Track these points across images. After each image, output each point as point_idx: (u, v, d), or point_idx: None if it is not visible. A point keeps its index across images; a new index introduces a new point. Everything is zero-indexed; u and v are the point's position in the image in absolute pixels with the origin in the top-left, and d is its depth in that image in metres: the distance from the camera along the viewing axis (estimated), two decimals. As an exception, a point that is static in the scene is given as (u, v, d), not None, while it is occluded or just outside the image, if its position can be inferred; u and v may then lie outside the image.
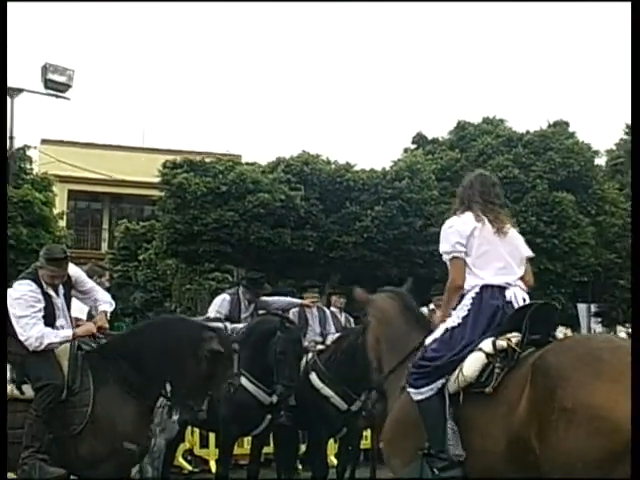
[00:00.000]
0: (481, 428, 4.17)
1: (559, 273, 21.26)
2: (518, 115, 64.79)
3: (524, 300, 4.56)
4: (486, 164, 21.85)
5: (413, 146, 25.11)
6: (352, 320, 10.56)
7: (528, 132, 23.12)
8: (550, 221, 20.98)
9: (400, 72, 60.18)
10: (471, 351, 4.34)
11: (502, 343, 4.26)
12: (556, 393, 3.69)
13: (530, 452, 3.81)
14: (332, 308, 10.74)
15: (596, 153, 23.62)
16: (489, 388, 4.17)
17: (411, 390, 4.60)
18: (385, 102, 68.69)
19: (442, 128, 29.82)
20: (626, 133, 25.87)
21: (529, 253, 4.82)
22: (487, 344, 4.30)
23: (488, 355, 4.25)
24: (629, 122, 25.73)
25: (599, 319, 21.02)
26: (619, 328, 16.90)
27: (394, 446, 4.84)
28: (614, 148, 26.09)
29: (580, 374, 3.67)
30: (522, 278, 4.68)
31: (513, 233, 4.78)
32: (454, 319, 4.61)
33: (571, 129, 23.41)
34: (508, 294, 4.55)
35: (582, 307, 20.99)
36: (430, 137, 25.13)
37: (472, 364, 4.30)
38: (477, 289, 4.57)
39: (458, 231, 4.68)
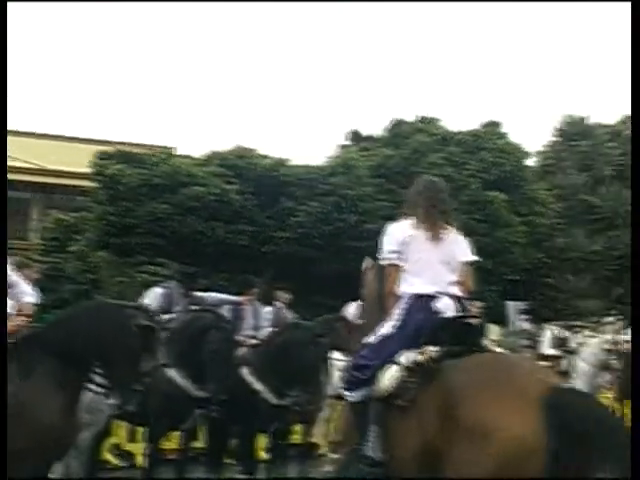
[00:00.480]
0: (399, 437, 4.27)
1: (490, 271, 21.57)
2: (452, 114, 65.59)
3: (454, 309, 4.60)
4: (420, 162, 22.06)
5: (348, 142, 25.20)
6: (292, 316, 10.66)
7: (461, 131, 23.42)
8: (482, 220, 21.28)
9: (336, 68, 60.35)
10: (392, 362, 4.41)
11: (419, 357, 4.34)
12: (458, 411, 3.84)
13: (440, 464, 3.95)
14: (277, 303, 10.80)
15: (526, 154, 24.06)
16: (403, 401, 4.27)
17: (345, 392, 4.67)
18: (321, 98, 68.80)
19: (377, 125, 30.05)
20: (555, 135, 26.39)
21: (469, 257, 4.84)
22: (405, 357, 4.38)
23: (405, 368, 4.33)
24: (559, 125, 26.28)
25: (528, 317, 21.36)
26: (546, 326, 17.24)
27: (340, 440, 4.97)
28: (544, 150, 26.59)
29: (480, 395, 3.82)
30: (461, 283, 4.73)
31: (452, 238, 4.80)
32: (387, 327, 4.64)
33: (503, 130, 23.78)
34: (437, 304, 4.57)
35: (511, 305, 21.29)
36: (365, 134, 25.26)
37: (388, 377, 4.38)
38: (408, 298, 4.62)
39: (393, 238, 4.72)
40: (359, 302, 11.20)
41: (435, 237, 4.70)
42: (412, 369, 4.32)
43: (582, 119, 26.20)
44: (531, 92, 71.40)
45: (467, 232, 18.39)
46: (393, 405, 4.34)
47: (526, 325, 19.30)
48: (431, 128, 23.63)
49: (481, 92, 65.37)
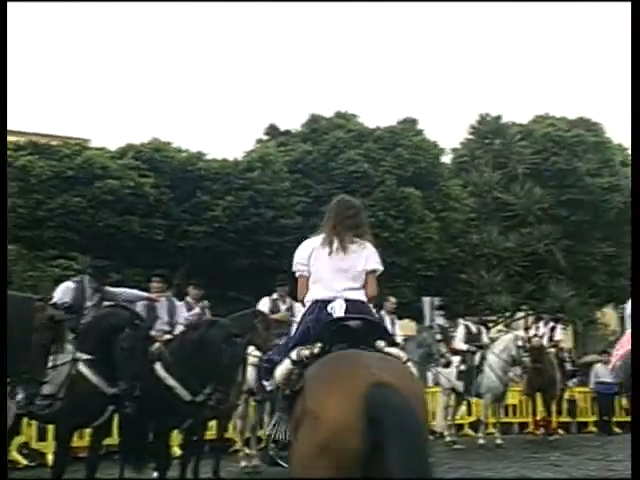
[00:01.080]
0: (289, 422, 4.83)
1: (405, 267, 21.82)
2: (369, 111, 66.08)
3: (345, 311, 5.14)
4: (337, 158, 22.16)
5: (266, 137, 25.13)
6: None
7: (378, 128, 23.59)
8: (397, 216, 21.50)
9: (254, 62, 60.19)
10: (287, 357, 5.03)
11: (305, 352, 4.92)
12: (305, 397, 4.41)
13: None
14: (188, 299, 10.74)
15: (442, 151, 24.40)
16: (288, 390, 4.87)
17: (264, 382, 5.34)
18: (238, 92, 68.53)
19: (295, 120, 30.00)
20: (470, 133, 26.83)
21: (373, 267, 5.34)
22: (294, 353, 4.96)
23: (293, 362, 4.92)
24: (474, 123, 26.73)
25: (442, 312, 21.70)
26: (460, 321, 17.58)
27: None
28: (459, 147, 27.00)
29: (319, 385, 4.39)
30: (363, 288, 5.30)
31: (355, 249, 5.34)
32: (293, 328, 5.36)
33: (419, 127, 24.05)
34: (330, 306, 5.17)
35: (426, 300, 21.59)
36: (283, 129, 25.23)
37: (280, 369, 5.00)
38: (309, 303, 5.28)
39: (301, 252, 5.37)
40: (273, 297, 11.46)
41: (338, 250, 5.29)
42: (298, 362, 4.91)
43: (496, 118, 26.69)
44: (447, 90, 72.51)
45: (383, 228, 18.60)
46: (285, 394, 4.96)
47: (441, 320, 19.63)
48: (349, 124, 23.75)
49: (398, 89, 66.14)
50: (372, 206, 21.30)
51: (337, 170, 21.94)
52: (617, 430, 18.72)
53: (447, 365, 14.48)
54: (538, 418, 17.40)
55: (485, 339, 16.47)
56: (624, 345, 12.25)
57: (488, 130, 26.35)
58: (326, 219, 5.45)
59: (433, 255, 22.40)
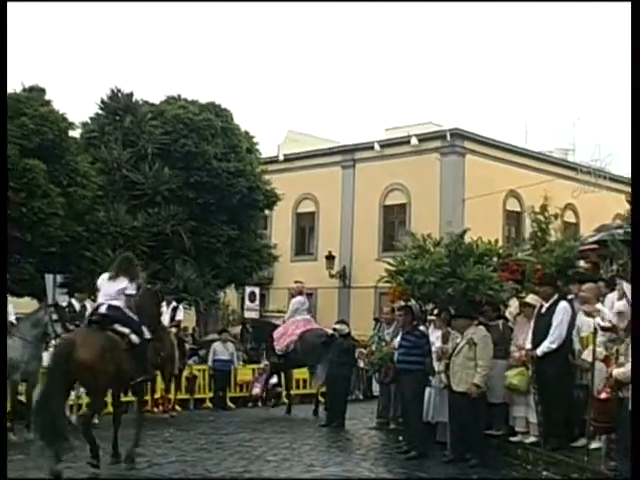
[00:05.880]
0: None
1: (28, 243, 20.86)
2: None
3: None
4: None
5: None
6: None
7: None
8: (19, 188, 20.39)
9: None
10: None
11: None
12: None
13: None
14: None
15: (71, 125, 23.53)
16: None
17: None
18: None
19: None
20: (101, 108, 26.23)
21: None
22: None
23: None
24: (105, 98, 26.17)
25: (65, 290, 21.10)
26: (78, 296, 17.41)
27: None
28: (89, 122, 26.30)
29: None
30: None
31: None
32: None
33: (47, 97, 22.99)
34: None
35: (49, 278, 20.90)
36: None
37: None
38: None
39: None
40: None
41: None
42: None
43: (127, 95, 26.40)
44: (77, 61, 70.45)
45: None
46: None
47: (64, 298, 19.08)
48: None
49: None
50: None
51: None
52: (231, 405, 19.60)
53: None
54: (157, 396, 17.62)
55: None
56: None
57: (119, 106, 25.99)
58: None
59: (57, 231, 21.58)
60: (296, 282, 19.86)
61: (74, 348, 10.16)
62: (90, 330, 10.78)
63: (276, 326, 18.79)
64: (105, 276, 11.19)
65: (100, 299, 11.10)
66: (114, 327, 10.69)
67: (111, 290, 10.95)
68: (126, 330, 10.74)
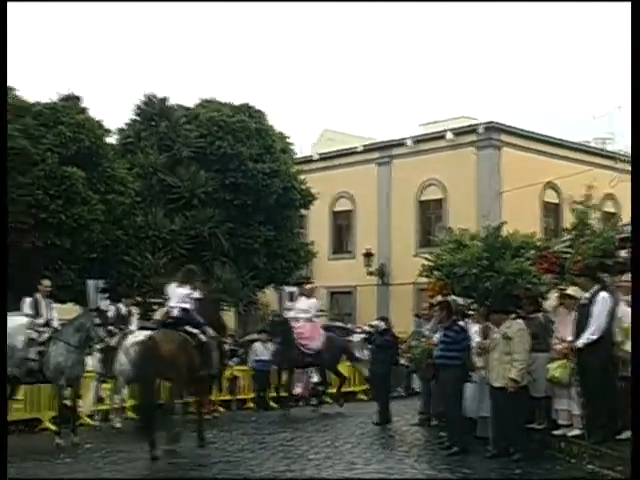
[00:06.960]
0: None
1: (68, 250, 21.11)
2: (28, 86, 62.92)
3: None
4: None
5: None
6: None
7: (39, 103, 22.48)
8: (58, 196, 20.66)
9: None
10: None
11: None
12: None
13: None
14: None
15: (107, 131, 23.77)
16: None
17: None
18: None
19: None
20: (136, 114, 26.46)
21: None
22: None
23: None
24: (140, 104, 26.38)
25: (106, 295, 21.34)
26: (125, 301, 17.50)
27: None
28: (125, 128, 26.53)
29: None
30: None
31: None
32: None
33: (83, 105, 23.19)
34: None
35: (90, 283, 21.15)
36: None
37: None
38: None
39: None
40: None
41: None
42: None
43: (161, 100, 26.59)
44: (112, 68, 71.05)
45: (39, 209, 17.88)
46: None
47: (106, 303, 19.26)
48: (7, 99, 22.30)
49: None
50: (31, 185, 20.33)
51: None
52: (273, 405, 19.62)
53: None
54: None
55: (135, 321, 16.76)
56: None
57: (154, 112, 26.18)
58: None
59: (97, 237, 21.82)
60: (307, 283, 19.93)
61: (158, 346, 11.97)
62: (167, 331, 12.61)
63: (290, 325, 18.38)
64: (173, 285, 13.11)
65: (171, 303, 13.01)
66: (185, 328, 12.56)
67: (180, 295, 12.86)
68: (195, 330, 12.59)
